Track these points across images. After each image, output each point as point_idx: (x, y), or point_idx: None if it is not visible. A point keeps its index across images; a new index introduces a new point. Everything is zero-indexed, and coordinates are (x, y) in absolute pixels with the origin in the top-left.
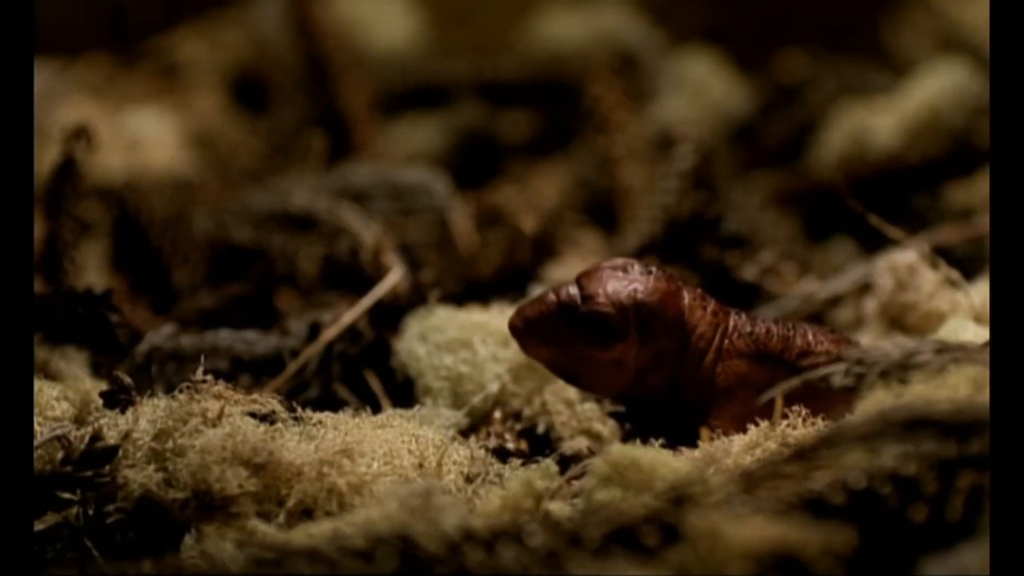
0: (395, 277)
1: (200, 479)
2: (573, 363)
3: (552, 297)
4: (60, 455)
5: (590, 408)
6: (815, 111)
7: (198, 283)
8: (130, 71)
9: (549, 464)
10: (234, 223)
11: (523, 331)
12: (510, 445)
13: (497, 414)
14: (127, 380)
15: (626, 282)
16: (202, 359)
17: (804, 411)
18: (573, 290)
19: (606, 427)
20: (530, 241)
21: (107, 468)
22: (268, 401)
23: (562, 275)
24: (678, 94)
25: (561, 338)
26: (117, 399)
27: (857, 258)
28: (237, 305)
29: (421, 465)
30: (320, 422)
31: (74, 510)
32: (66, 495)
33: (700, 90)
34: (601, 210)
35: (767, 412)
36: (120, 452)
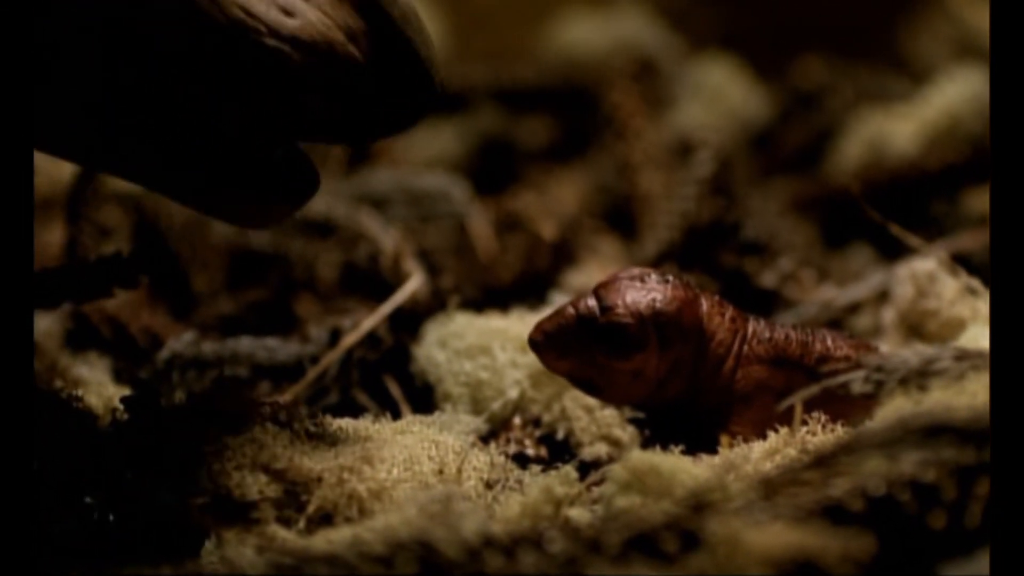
0: (415, 283)
1: (220, 484)
2: (594, 375)
3: (571, 310)
4: (83, 455)
5: (610, 414)
6: (833, 118)
7: (217, 289)
8: None
9: (569, 470)
10: (253, 229)
11: (543, 345)
12: (530, 451)
13: (517, 420)
14: (149, 385)
15: (644, 292)
16: (223, 366)
17: (824, 417)
18: (591, 302)
19: (626, 433)
20: (549, 247)
21: (128, 473)
22: (288, 407)
23: (581, 281)
24: (696, 100)
25: (581, 350)
26: (139, 404)
27: (875, 265)
28: (256, 311)
29: (441, 471)
30: (340, 428)
31: (95, 514)
32: (87, 499)
33: (718, 97)
34: (620, 216)
35: (787, 418)
36: (141, 457)
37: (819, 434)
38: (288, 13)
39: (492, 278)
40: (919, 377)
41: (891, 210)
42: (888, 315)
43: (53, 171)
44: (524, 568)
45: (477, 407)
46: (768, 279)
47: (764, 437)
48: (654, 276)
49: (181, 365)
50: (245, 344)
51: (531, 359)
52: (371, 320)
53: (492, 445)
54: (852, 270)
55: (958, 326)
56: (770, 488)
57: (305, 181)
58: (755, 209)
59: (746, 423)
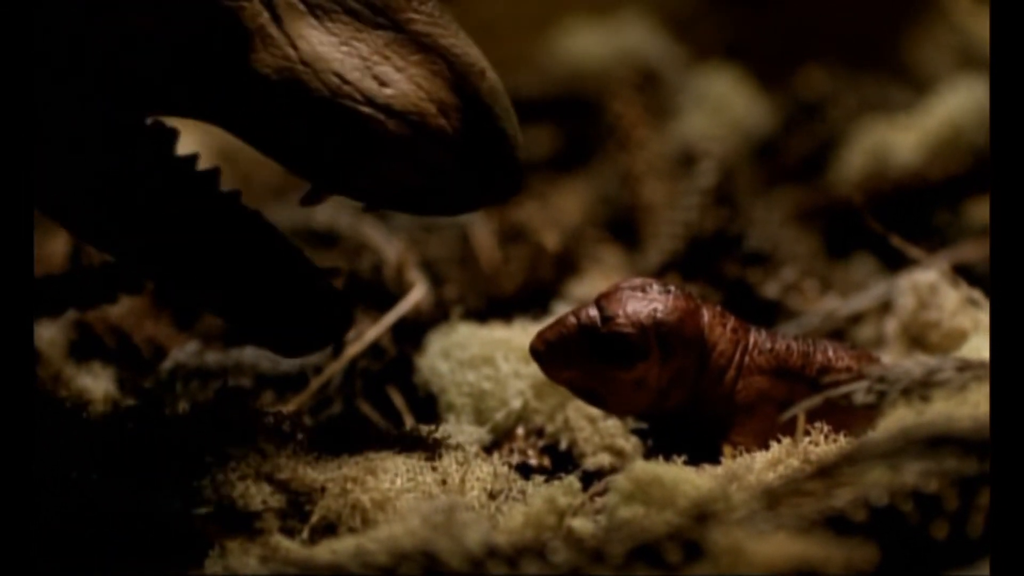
0: (418, 294)
1: (224, 495)
2: (596, 384)
3: (572, 320)
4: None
5: (612, 424)
6: (836, 127)
7: None
8: None
9: (572, 480)
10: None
11: (544, 354)
12: (533, 461)
13: (520, 430)
14: (153, 395)
15: (646, 302)
16: (226, 376)
17: (826, 428)
18: (593, 312)
19: (629, 443)
20: (552, 257)
21: (132, 482)
22: (292, 417)
23: (584, 291)
24: (699, 110)
25: (583, 360)
26: (143, 414)
27: (878, 275)
28: None
29: (444, 481)
30: (344, 438)
31: (98, 524)
32: (90, 508)
33: (721, 106)
34: (623, 227)
35: (789, 428)
36: (145, 466)
37: (822, 444)
38: (383, 83)
39: (495, 288)
40: (921, 388)
41: (894, 220)
42: (890, 326)
43: None
44: None
45: (480, 417)
46: (771, 289)
47: (766, 447)
48: (656, 286)
49: (185, 375)
50: (248, 354)
51: (534, 370)
52: (374, 330)
53: (495, 455)
54: (855, 280)
55: (959, 337)
56: (773, 498)
57: (339, 320)
58: (758, 219)
59: (747, 434)
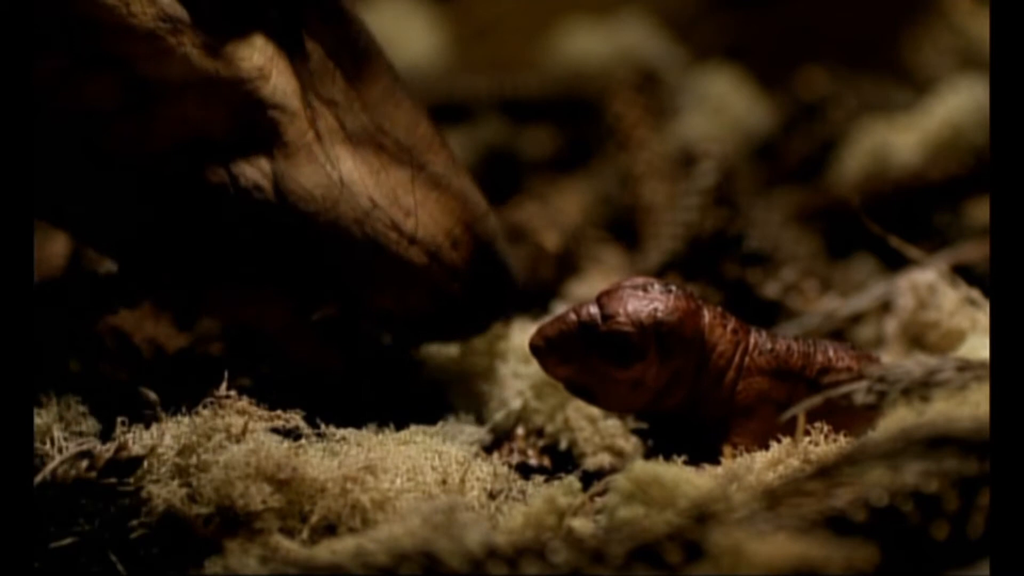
0: None
1: (224, 495)
2: (593, 382)
3: (572, 316)
4: (84, 464)
5: (613, 424)
6: (836, 128)
7: None
8: None
9: (572, 481)
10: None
11: (543, 350)
12: (533, 461)
13: (520, 430)
14: (152, 396)
15: (646, 301)
16: (226, 375)
17: (826, 428)
18: (593, 309)
19: (629, 443)
20: (552, 258)
21: (131, 479)
22: (292, 417)
23: (584, 292)
24: (700, 111)
25: (581, 357)
26: (142, 414)
27: (879, 275)
28: None
29: (444, 481)
30: (343, 438)
31: (98, 524)
32: (89, 506)
33: (722, 107)
34: (623, 227)
35: (789, 429)
36: (144, 465)
37: (822, 445)
38: (407, 213)
39: None
40: (922, 388)
41: (894, 221)
42: (890, 326)
43: None
44: None
45: (480, 417)
46: (771, 290)
47: (766, 448)
48: (657, 286)
49: (184, 375)
50: (248, 354)
51: (534, 370)
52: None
53: (495, 455)
54: (855, 281)
55: (958, 337)
56: (773, 498)
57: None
58: (758, 220)
59: (747, 434)
